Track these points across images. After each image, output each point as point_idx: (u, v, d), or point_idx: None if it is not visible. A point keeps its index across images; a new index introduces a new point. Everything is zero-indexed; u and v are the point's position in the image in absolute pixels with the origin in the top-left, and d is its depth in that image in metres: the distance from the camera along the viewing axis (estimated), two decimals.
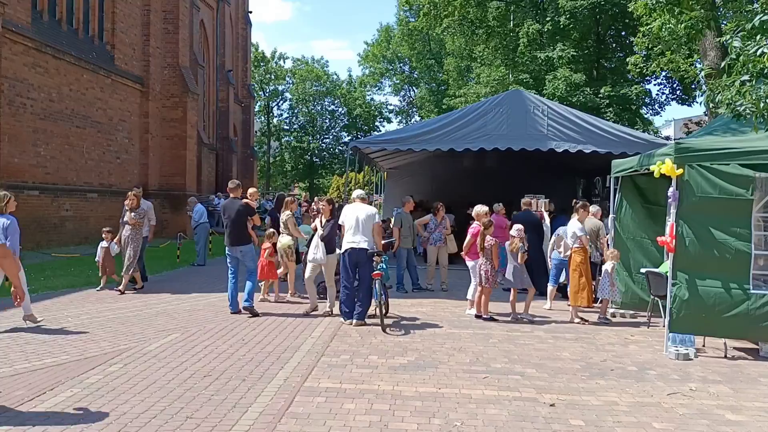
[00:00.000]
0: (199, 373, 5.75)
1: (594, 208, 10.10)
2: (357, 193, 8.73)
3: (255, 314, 8.55)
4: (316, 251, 8.65)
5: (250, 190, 9.63)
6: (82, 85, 18.24)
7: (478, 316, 8.81)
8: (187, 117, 23.06)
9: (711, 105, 7.01)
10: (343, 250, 8.32)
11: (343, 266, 8.32)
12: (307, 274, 8.84)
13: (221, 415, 4.70)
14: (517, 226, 9.24)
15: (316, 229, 8.90)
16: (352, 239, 8.21)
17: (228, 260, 8.96)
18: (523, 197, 13.14)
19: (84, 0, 19.23)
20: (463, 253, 9.38)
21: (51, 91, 16.77)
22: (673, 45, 11.98)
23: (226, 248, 8.92)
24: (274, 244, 10.09)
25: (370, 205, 9.10)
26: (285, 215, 10.35)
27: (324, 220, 8.80)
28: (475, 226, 9.34)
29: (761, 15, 6.23)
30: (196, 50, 26.38)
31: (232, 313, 8.70)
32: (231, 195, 9.14)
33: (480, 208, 9.34)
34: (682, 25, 10.32)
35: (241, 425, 4.52)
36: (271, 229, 10.44)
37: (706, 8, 10.51)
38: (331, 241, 8.75)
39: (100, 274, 10.72)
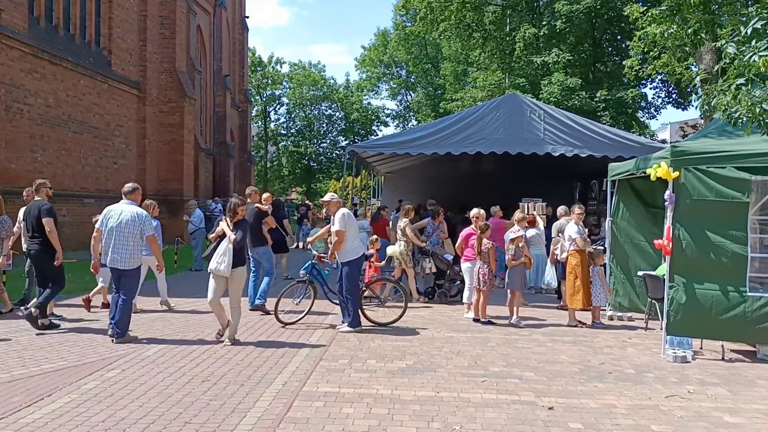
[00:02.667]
0: (197, 378, 5.74)
1: (562, 209, 10.57)
2: (336, 196, 8.52)
3: (266, 312, 8.99)
4: (221, 261, 7.00)
5: (264, 195, 10.10)
6: (79, 91, 18.23)
7: (476, 320, 8.81)
8: (184, 122, 23.08)
9: (706, 109, 7.04)
10: (359, 255, 8.11)
11: (356, 272, 8.13)
12: (211, 295, 7.14)
13: (220, 420, 4.69)
14: (514, 229, 9.25)
15: (221, 235, 7.24)
16: (359, 243, 8.31)
17: (250, 261, 9.43)
18: (520, 200, 13.19)
19: (81, 5, 19.24)
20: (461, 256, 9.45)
21: (48, 96, 16.76)
22: (678, 53, 12.04)
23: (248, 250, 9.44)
24: (377, 251, 10.32)
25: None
26: (403, 222, 10.55)
27: (231, 224, 7.23)
28: (467, 229, 9.39)
29: (755, 21, 6.26)
30: (193, 55, 26.38)
31: (250, 309, 9.18)
32: (248, 200, 9.57)
33: (477, 211, 9.38)
34: (690, 30, 10.35)
35: (239, 430, 4.51)
36: (375, 236, 10.61)
37: (707, 13, 10.54)
38: (243, 250, 7.33)
39: None
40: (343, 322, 8.19)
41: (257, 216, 9.31)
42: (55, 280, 7.77)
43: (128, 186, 7.62)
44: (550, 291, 11.17)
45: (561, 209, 10.71)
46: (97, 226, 7.43)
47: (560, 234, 9.77)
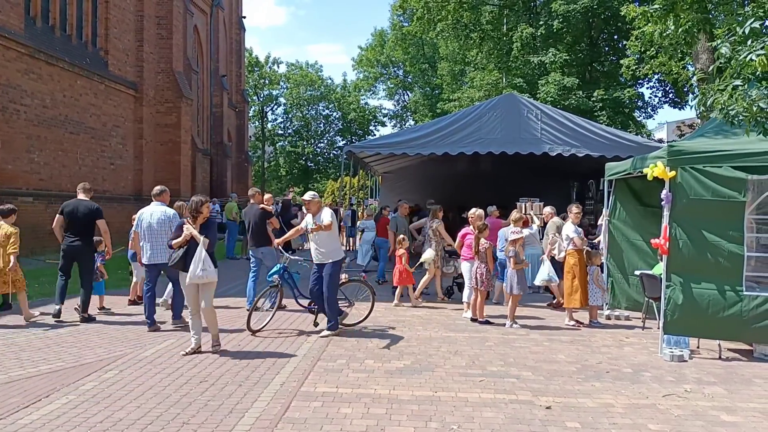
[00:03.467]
0: (195, 379, 5.74)
1: (549, 209, 10.77)
2: (317, 195, 8.12)
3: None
4: (205, 267, 6.45)
5: (266, 196, 10.34)
6: (76, 91, 18.20)
7: (473, 320, 8.82)
8: (181, 122, 23.05)
9: (702, 109, 7.05)
10: (342, 256, 7.97)
11: (338, 273, 7.89)
12: (194, 305, 6.69)
13: (218, 420, 4.69)
14: (513, 228, 9.25)
15: (190, 237, 6.64)
16: (341, 245, 8.32)
17: (251, 261, 9.59)
18: (518, 200, 13.23)
19: (77, 6, 19.21)
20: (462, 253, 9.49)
21: (44, 97, 16.73)
22: (670, 51, 12.07)
23: (250, 250, 9.56)
24: (408, 250, 10.45)
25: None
26: (435, 222, 10.60)
27: (197, 225, 6.69)
28: (465, 229, 9.41)
29: (751, 21, 6.28)
30: (190, 55, 26.36)
31: (248, 310, 8.98)
32: (251, 201, 9.86)
33: (474, 211, 9.40)
34: (681, 30, 10.37)
35: (237, 430, 4.51)
36: (402, 236, 10.71)
37: (700, 11, 10.56)
38: (213, 254, 6.73)
39: None
40: (316, 324, 8.05)
41: (262, 216, 9.41)
42: (89, 274, 8.66)
43: (157, 189, 8.42)
44: (544, 289, 11.17)
45: (547, 209, 10.81)
46: (133, 228, 8.53)
47: (557, 233, 9.79)
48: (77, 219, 8.43)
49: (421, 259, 10.36)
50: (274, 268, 8.21)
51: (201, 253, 6.48)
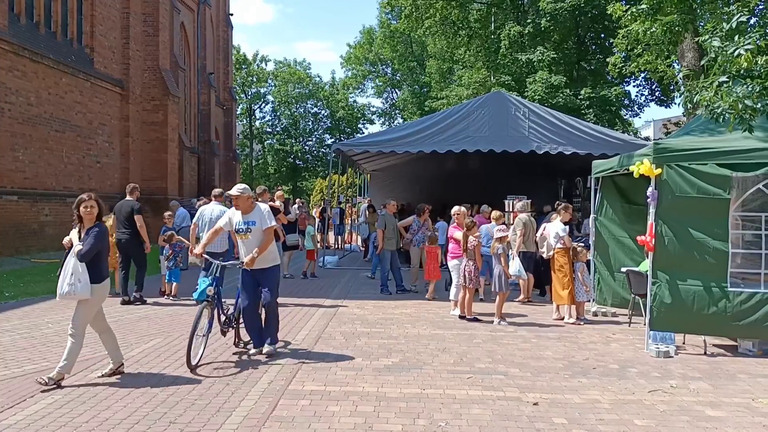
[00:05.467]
0: (182, 378, 5.71)
1: (520, 205, 11.04)
2: (248, 188, 6.66)
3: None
4: (73, 281, 5.28)
5: (278, 193, 10.86)
6: (61, 89, 18.04)
7: (461, 317, 8.84)
8: (168, 120, 22.91)
9: (689, 106, 7.12)
10: (279, 260, 6.85)
11: (278, 280, 6.79)
12: (82, 328, 5.48)
13: (205, 419, 4.67)
14: (499, 227, 9.28)
15: (70, 246, 5.48)
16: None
17: None
18: (505, 198, 13.27)
19: (62, 3, 19.03)
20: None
21: (29, 95, 16.57)
22: (655, 49, 12.18)
23: None
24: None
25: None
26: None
27: (84, 230, 5.48)
28: (451, 227, 9.49)
29: (738, 16, 6.34)
30: (177, 53, 26.17)
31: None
32: (259, 199, 10.04)
33: (457, 209, 9.43)
34: (660, 30, 10.48)
35: (225, 429, 4.49)
36: (431, 233, 10.98)
37: (684, 11, 10.68)
38: (100, 261, 5.55)
39: None
40: (252, 346, 6.74)
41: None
42: (141, 263, 10.06)
43: (216, 191, 10.12)
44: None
45: (519, 205, 10.98)
46: (194, 221, 9.68)
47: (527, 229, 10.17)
48: (122, 216, 9.86)
49: None
50: (204, 283, 6.37)
51: (70, 263, 5.32)
